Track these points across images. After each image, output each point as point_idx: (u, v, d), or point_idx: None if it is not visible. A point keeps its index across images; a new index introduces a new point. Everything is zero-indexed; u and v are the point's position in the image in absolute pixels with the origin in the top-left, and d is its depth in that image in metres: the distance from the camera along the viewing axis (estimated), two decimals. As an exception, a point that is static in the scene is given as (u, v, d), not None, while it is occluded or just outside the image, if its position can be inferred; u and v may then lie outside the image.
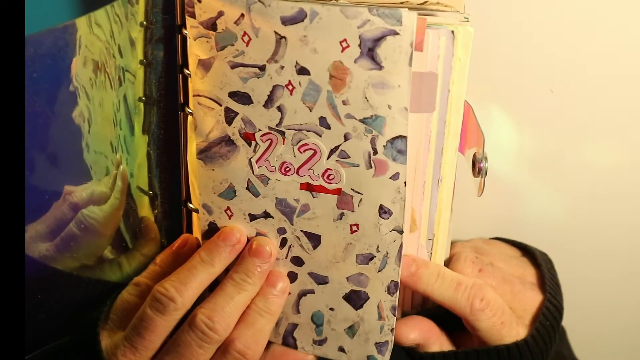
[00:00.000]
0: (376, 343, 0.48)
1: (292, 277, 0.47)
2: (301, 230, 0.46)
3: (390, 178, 0.43)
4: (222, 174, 0.46)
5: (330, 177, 0.44)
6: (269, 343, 0.49)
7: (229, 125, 0.45)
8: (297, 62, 0.42)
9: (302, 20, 0.41)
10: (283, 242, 0.47)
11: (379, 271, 0.46)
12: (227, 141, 0.45)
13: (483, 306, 0.47)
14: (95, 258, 0.46)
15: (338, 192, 0.44)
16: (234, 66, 0.43)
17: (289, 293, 0.48)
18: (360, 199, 0.44)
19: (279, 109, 0.43)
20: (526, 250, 0.55)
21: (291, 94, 0.43)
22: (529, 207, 0.63)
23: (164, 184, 0.49)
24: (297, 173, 0.45)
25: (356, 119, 0.42)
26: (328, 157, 0.44)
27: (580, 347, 0.58)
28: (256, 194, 0.46)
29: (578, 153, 0.60)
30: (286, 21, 0.41)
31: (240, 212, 0.47)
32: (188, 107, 0.47)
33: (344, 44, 0.41)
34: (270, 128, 0.44)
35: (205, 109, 0.45)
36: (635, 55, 0.56)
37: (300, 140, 0.44)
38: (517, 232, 0.58)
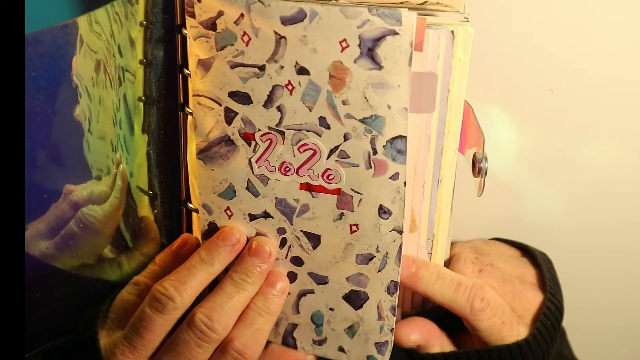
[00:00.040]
0: (376, 343, 0.48)
1: (292, 277, 0.47)
2: (301, 230, 0.46)
3: (390, 178, 0.43)
4: (222, 174, 0.46)
5: (330, 177, 0.44)
6: (269, 342, 0.49)
7: (229, 125, 0.45)
8: (296, 62, 0.42)
9: (302, 20, 0.41)
10: (283, 242, 0.47)
11: (378, 271, 0.46)
12: (227, 141, 0.45)
13: (483, 306, 0.47)
14: (94, 257, 0.46)
15: (338, 192, 0.44)
16: (233, 66, 0.43)
17: (289, 293, 0.48)
18: (360, 199, 0.44)
19: (279, 108, 0.43)
20: (526, 251, 0.55)
21: (291, 94, 0.43)
22: (529, 207, 0.63)
23: (164, 183, 0.49)
24: (297, 173, 0.45)
25: (356, 119, 0.42)
26: (328, 157, 0.44)
27: (580, 347, 0.58)
28: (256, 194, 0.46)
29: (578, 153, 0.60)
30: (286, 21, 0.41)
31: (240, 212, 0.47)
32: (188, 107, 0.47)
33: (344, 44, 0.41)
34: (270, 128, 0.44)
35: (205, 109, 0.45)
36: (636, 56, 0.56)
37: (300, 140, 0.44)
38: (517, 232, 0.58)
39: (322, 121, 0.43)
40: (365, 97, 0.41)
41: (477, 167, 0.47)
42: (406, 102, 0.41)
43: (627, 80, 0.57)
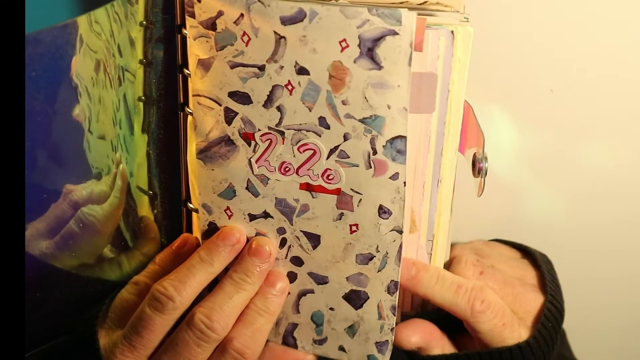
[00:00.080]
0: (376, 342, 0.48)
1: (292, 277, 0.47)
2: (301, 230, 0.46)
3: (390, 178, 0.43)
4: (222, 174, 0.46)
5: (329, 177, 0.44)
6: (269, 342, 0.49)
7: (229, 125, 0.45)
8: (296, 62, 0.42)
9: (302, 20, 0.41)
10: (283, 242, 0.47)
11: (378, 271, 0.46)
12: (227, 141, 0.45)
13: (484, 308, 0.47)
14: (94, 256, 0.46)
15: (337, 192, 0.44)
16: (233, 66, 0.43)
17: (289, 293, 0.48)
18: (360, 199, 0.44)
19: (279, 108, 0.43)
20: (526, 252, 0.55)
21: (291, 94, 0.43)
22: (529, 207, 0.63)
23: (164, 183, 0.49)
24: (297, 173, 0.45)
25: (355, 119, 0.42)
26: (327, 157, 0.44)
27: (580, 348, 0.58)
28: (256, 194, 0.46)
29: (578, 153, 0.60)
30: (285, 21, 0.41)
31: (239, 212, 0.47)
32: (188, 106, 0.47)
33: (344, 44, 0.41)
34: (269, 128, 0.44)
35: (205, 109, 0.45)
36: (636, 56, 0.56)
37: (299, 140, 0.44)
38: (517, 232, 0.58)
39: (322, 121, 0.43)
40: (365, 97, 0.41)
41: (477, 167, 0.47)
42: (406, 102, 0.41)
43: (627, 80, 0.57)
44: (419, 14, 0.40)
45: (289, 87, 0.43)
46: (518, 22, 0.56)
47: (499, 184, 0.60)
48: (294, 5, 0.41)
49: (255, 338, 0.45)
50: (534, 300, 0.50)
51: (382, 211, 0.44)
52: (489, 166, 0.47)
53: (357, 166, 0.43)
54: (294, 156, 0.44)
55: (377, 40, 0.40)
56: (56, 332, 0.46)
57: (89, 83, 0.42)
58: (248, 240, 0.47)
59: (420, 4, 0.44)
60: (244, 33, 0.42)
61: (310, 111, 0.43)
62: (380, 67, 0.41)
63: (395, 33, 0.40)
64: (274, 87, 0.43)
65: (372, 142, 0.42)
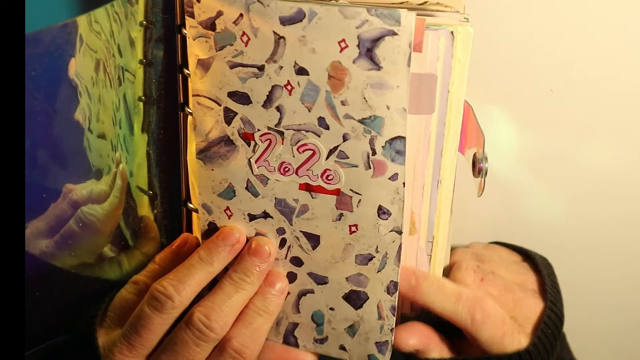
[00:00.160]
0: (376, 343, 0.48)
1: (292, 277, 0.48)
2: (300, 231, 0.46)
3: (389, 179, 0.43)
4: (222, 174, 0.46)
5: (329, 178, 0.44)
6: (269, 341, 0.49)
7: (228, 125, 0.45)
8: (295, 62, 0.42)
9: (301, 21, 0.41)
10: (282, 243, 0.47)
11: (378, 271, 0.46)
12: (227, 141, 0.45)
13: (484, 318, 0.47)
14: (94, 256, 0.46)
15: (337, 192, 0.44)
16: (233, 66, 0.43)
17: (289, 293, 0.48)
18: (359, 200, 0.44)
19: (278, 109, 0.43)
20: (527, 256, 0.55)
21: (290, 94, 0.43)
22: (529, 207, 0.63)
23: (164, 183, 0.49)
24: (296, 173, 0.45)
25: (355, 120, 0.42)
26: (327, 158, 0.44)
27: (580, 348, 0.58)
28: (255, 194, 0.46)
29: (578, 153, 0.60)
30: (285, 21, 0.41)
31: (239, 212, 0.47)
32: (188, 106, 0.47)
33: (343, 44, 0.41)
34: (269, 128, 0.44)
35: (204, 109, 0.45)
36: (636, 56, 0.56)
37: (299, 141, 0.44)
38: (516, 233, 0.58)
39: (321, 121, 0.43)
40: (364, 98, 0.41)
41: (477, 167, 0.47)
42: (405, 102, 0.41)
43: (627, 80, 0.57)
44: (418, 15, 0.40)
45: (289, 87, 0.43)
46: (518, 22, 0.56)
47: (499, 184, 0.60)
48: (293, 6, 0.41)
49: (254, 337, 0.45)
50: (534, 307, 0.50)
51: (382, 212, 0.44)
52: (489, 166, 0.47)
53: (356, 167, 0.43)
54: (294, 156, 0.44)
55: (376, 40, 0.40)
56: (56, 331, 0.46)
57: (89, 83, 0.42)
58: (248, 240, 0.47)
59: (420, 4, 0.44)
60: (244, 33, 0.42)
61: (309, 111, 0.43)
62: (379, 68, 0.41)
63: (394, 33, 0.40)
64: (273, 87, 0.43)
65: (372, 142, 0.42)
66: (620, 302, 0.66)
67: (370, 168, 0.43)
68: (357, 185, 0.44)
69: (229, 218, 0.47)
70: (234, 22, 0.42)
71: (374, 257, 0.45)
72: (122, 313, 0.46)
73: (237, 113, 0.45)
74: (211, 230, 0.48)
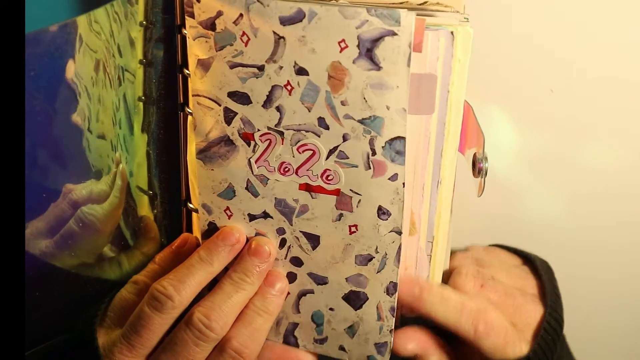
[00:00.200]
0: (375, 344, 0.48)
1: (292, 277, 0.48)
2: (300, 231, 0.46)
3: (389, 179, 0.43)
4: (222, 174, 0.46)
5: (329, 178, 0.44)
6: (269, 341, 0.49)
7: (228, 125, 0.45)
8: (295, 63, 0.42)
9: (301, 21, 0.41)
10: (282, 243, 0.47)
11: (377, 272, 0.46)
12: (227, 141, 0.45)
13: (487, 330, 0.47)
14: (94, 256, 0.46)
15: (337, 192, 0.44)
16: (233, 66, 0.43)
17: (288, 293, 0.48)
18: (359, 200, 0.44)
19: (278, 109, 0.43)
20: (527, 259, 0.55)
21: (290, 94, 0.43)
22: (529, 207, 0.62)
23: (164, 183, 0.49)
24: (296, 173, 0.45)
25: (355, 120, 0.42)
26: (327, 158, 0.44)
27: (580, 348, 0.58)
28: (255, 194, 0.46)
29: (578, 153, 0.60)
30: (285, 21, 0.41)
31: (239, 212, 0.47)
32: (188, 106, 0.47)
33: (343, 45, 0.41)
34: (269, 128, 0.44)
35: (204, 109, 0.45)
36: (636, 56, 0.56)
37: (299, 141, 0.44)
38: (516, 233, 0.58)
39: (321, 122, 0.43)
40: (364, 98, 0.41)
41: (477, 168, 0.47)
42: (405, 102, 0.41)
43: (627, 80, 0.57)
44: (418, 15, 0.40)
45: (288, 87, 0.43)
46: (518, 22, 0.56)
47: (499, 184, 0.60)
48: (293, 6, 0.41)
49: (253, 337, 0.45)
50: (534, 312, 0.50)
51: (381, 212, 0.44)
52: (489, 166, 0.47)
53: (356, 167, 0.43)
54: (294, 156, 0.44)
55: (376, 40, 0.40)
56: (56, 331, 0.46)
57: (89, 83, 0.42)
58: (248, 240, 0.47)
59: (420, 4, 0.44)
60: (243, 33, 0.42)
61: (309, 111, 0.43)
62: (379, 68, 0.41)
63: (394, 34, 0.40)
64: (273, 87, 0.43)
65: (371, 142, 0.42)
66: (620, 302, 0.66)
67: (370, 168, 0.43)
68: (357, 186, 0.44)
69: (229, 218, 0.47)
70: (234, 22, 0.42)
71: (374, 257, 0.45)
72: (122, 313, 0.46)
73: (237, 113, 0.45)
74: (211, 230, 0.48)
